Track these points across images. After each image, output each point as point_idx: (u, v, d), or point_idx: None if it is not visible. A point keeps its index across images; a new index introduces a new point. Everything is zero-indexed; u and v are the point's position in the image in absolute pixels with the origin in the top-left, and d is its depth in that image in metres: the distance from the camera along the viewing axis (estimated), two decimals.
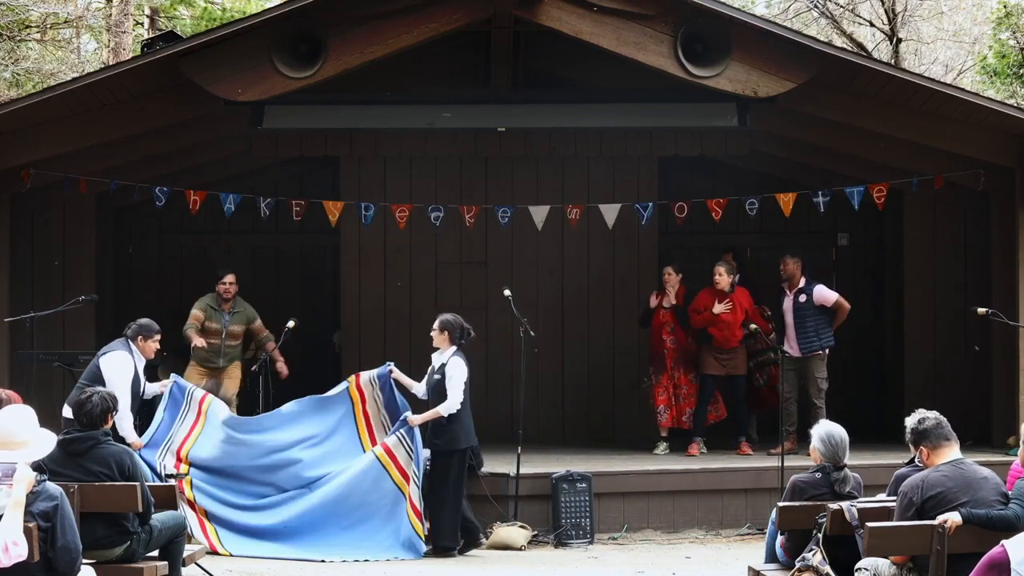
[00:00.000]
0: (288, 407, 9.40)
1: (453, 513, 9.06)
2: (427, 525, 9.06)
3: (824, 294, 11.24)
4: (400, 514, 8.97)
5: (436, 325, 9.25)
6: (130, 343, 8.82)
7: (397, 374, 9.35)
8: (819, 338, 11.15)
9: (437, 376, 9.11)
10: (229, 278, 10.75)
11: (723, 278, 11.14)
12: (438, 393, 9.07)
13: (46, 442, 5.74)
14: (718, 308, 11.05)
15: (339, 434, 9.28)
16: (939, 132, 10.86)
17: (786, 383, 10.87)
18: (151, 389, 9.13)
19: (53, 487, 5.53)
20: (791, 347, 11.17)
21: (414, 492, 8.96)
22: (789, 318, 11.26)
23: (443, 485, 9.04)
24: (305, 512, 9.00)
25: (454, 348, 9.17)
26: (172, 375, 9.43)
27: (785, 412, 10.82)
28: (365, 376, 9.39)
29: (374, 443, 9.18)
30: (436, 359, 9.24)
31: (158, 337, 8.95)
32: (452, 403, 8.98)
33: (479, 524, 9.34)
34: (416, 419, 9.04)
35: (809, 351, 11.12)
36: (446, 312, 9.41)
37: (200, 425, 9.16)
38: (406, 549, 8.94)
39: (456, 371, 9.04)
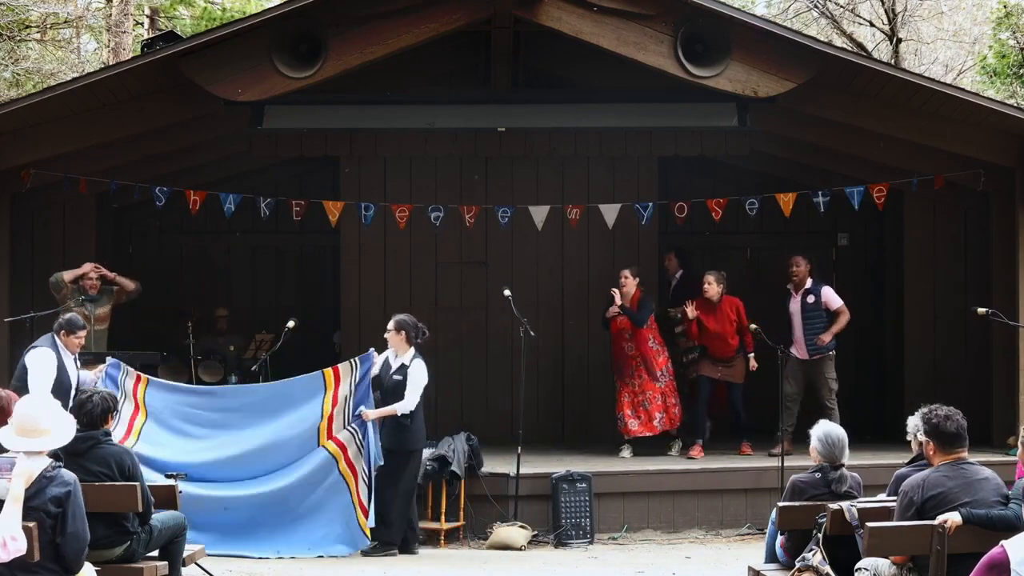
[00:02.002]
0: (255, 390, 9.35)
1: (402, 511, 9.03)
2: (371, 521, 8.96)
3: (831, 296, 11.22)
4: (343, 506, 8.91)
5: (391, 325, 9.22)
6: (55, 337, 8.96)
7: (378, 359, 9.26)
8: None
9: (397, 377, 9.09)
10: (94, 274, 10.85)
11: (712, 287, 11.09)
12: (396, 392, 9.06)
13: (67, 429, 5.75)
14: (690, 311, 11.10)
15: (301, 426, 9.08)
16: (939, 132, 10.86)
17: (792, 384, 10.86)
18: (85, 377, 9.08)
19: (68, 474, 5.55)
20: (798, 349, 11.14)
21: (362, 488, 8.92)
22: (797, 319, 11.21)
23: (394, 484, 9.00)
24: (254, 505, 8.88)
25: (413, 350, 9.16)
26: (108, 358, 9.27)
27: (787, 412, 10.82)
28: (346, 363, 9.23)
29: (330, 433, 9.00)
30: (394, 359, 9.20)
31: (82, 334, 9.03)
32: (408, 403, 8.98)
33: (420, 534, 9.33)
34: (371, 414, 9.01)
35: (817, 352, 11.09)
36: (400, 313, 9.37)
37: (141, 418, 8.99)
38: (346, 543, 8.89)
39: (419, 374, 9.05)
